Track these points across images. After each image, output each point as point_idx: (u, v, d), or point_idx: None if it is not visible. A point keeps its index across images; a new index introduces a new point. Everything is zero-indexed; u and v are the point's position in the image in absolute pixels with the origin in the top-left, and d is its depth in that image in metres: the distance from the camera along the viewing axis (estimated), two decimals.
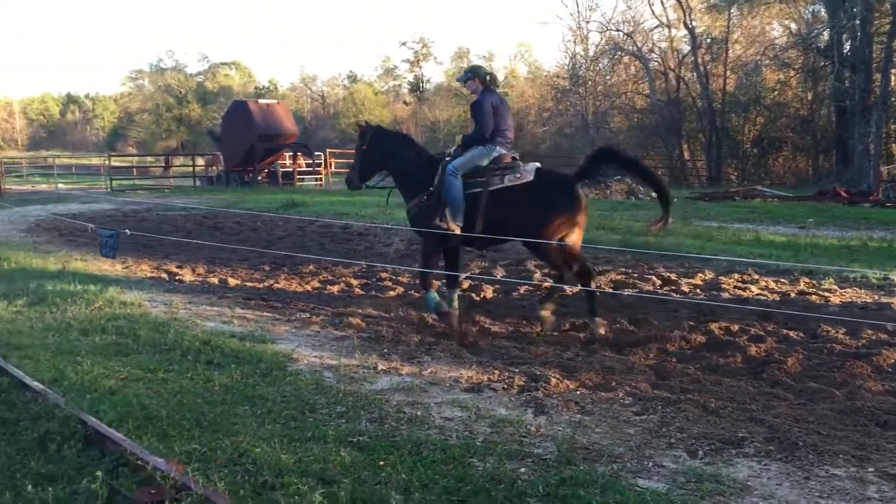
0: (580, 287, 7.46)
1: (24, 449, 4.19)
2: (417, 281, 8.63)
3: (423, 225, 7.52)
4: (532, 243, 7.34)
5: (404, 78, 78.41)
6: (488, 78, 7.60)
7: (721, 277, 9.80)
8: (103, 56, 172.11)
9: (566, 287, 7.86)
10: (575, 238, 7.33)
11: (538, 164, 7.60)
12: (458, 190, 7.31)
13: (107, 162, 39.04)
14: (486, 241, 7.59)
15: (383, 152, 7.89)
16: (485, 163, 7.42)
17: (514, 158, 7.55)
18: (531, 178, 7.26)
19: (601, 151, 7.75)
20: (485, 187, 7.29)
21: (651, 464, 4.12)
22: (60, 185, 32.94)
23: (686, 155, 42.83)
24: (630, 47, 44.69)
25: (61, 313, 7.70)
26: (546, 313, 7.41)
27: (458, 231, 7.33)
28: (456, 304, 7.56)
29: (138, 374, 5.64)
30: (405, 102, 72.37)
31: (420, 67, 75.78)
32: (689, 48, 41.91)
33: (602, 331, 7.00)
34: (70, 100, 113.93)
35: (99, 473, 3.61)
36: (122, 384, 5.34)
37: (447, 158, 7.53)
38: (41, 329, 7.09)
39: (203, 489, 3.42)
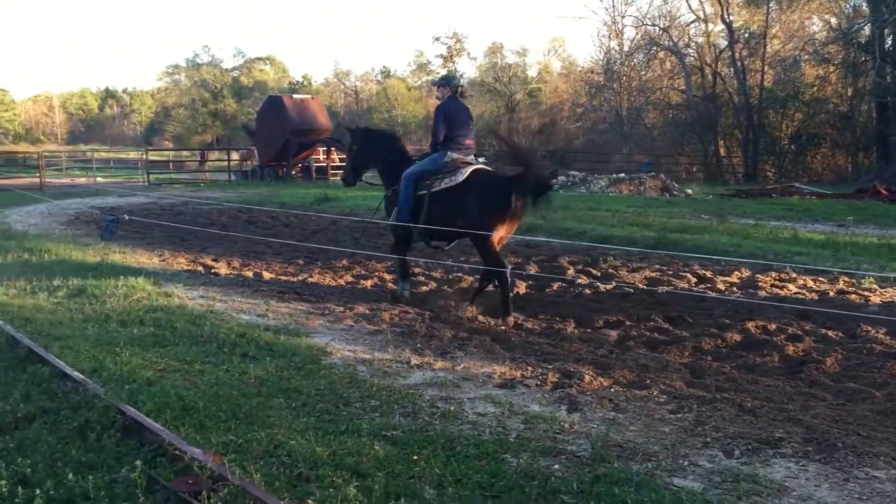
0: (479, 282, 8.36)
1: (64, 438, 4.26)
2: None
3: (387, 217, 8.66)
4: (472, 240, 7.92)
5: (437, 73, 78.37)
6: (459, 88, 8.61)
7: (758, 275, 9.67)
8: (141, 51, 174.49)
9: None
10: (502, 233, 7.92)
11: (480, 165, 8.29)
12: (407, 195, 8.21)
13: (144, 156, 39.59)
14: (443, 239, 8.47)
15: (369, 152, 8.97)
16: (434, 168, 8.22)
17: (467, 162, 8.18)
18: (462, 178, 7.97)
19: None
20: (427, 190, 8.13)
21: (686, 463, 4.09)
22: (99, 179, 33.46)
23: (722, 151, 42.35)
24: (666, 42, 44.29)
25: (100, 305, 7.83)
26: (472, 309, 7.88)
27: (400, 230, 8.39)
28: (407, 293, 8.55)
29: (175, 365, 5.71)
30: (438, 98, 72.35)
31: (453, 63, 75.65)
32: (726, 43, 41.39)
33: (510, 323, 7.43)
34: (108, 94, 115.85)
35: (138, 463, 3.67)
36: (160, 375, 5.42)
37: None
38: (81, 320, 7.21)
39: (239, 480, 3.46)
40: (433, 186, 8.11)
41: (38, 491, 3.48)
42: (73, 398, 4.77)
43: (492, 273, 7.85)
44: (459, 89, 8.62)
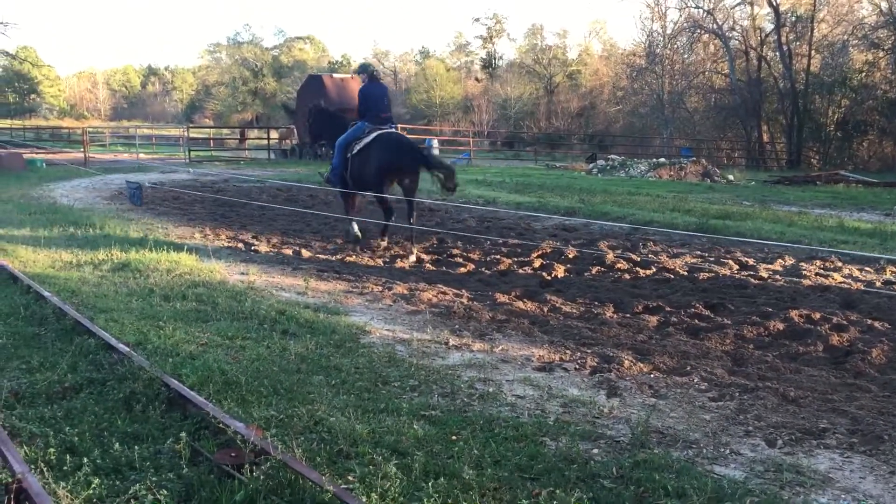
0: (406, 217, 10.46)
1: (110, 408, 4.35)
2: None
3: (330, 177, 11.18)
4: (371, 186, 10.44)
5: (476, 54, 78.10)
6: (373, 73, 11.06)
7: (802, 264, 9.51)
8: (183, 29, 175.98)
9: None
10: (407, 183, 10.38)
11: (382, 131, 10.46)
12: (338, 158, 10.69)
13: (185, 133, 40.00)
14: (367, 188, 10.63)
15: (321, 126, 11.69)
16: (355, 136, 10.56)
17: (376, 128, 10.44)
18: (369, 140, 10.31)
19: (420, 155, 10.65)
20: (351, 152, 10.46)
21: (728, 451, 4.04)
22: (141, 155, 33.92)
23: (765, 137, 41.63)
24: (710, 25, 43.53)
25: (144, 279, 7.96)
26: (383, 242, 10.59)
27: (336, 188, 10.96)
28: (356, 230, 10.97)
29: (217, 340, 5.79)
30: (477, 79, 72.06)
31: (493, 44, 75.29)
32: (772, 27, 40.58)
33: (414, 255, 9.78)
34: (151, 71, 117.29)
35: (182, 435, 3.73)
36: (203, 349, 5.50)
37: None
38: (125, 294, 7.34)
39: (281, 454, 3.50)
40: (354, 149, 10.46)
41: (85, 459, 3.55)
42: (118, 370, 4.86)
43: (385, 210, 10.74)
44: (373, 73, 11.03)
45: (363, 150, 10.32)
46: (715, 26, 43.09)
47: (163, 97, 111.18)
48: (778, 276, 8.89)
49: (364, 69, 11.09)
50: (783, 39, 39.17)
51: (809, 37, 38.95)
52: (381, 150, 10.15)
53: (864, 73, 37.81)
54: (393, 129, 10.77)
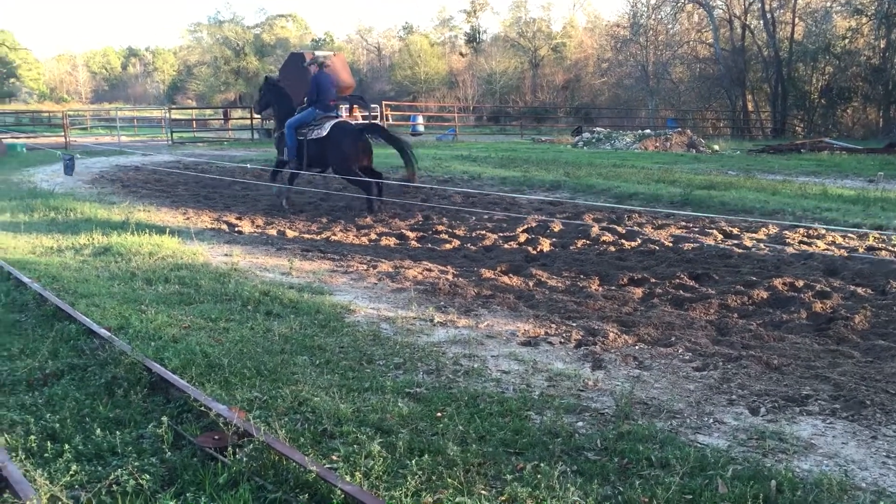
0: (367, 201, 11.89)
1: (92, 394, 4.31)
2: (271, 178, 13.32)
3: (278, 149, 12.79)
4: (337, 171, 11.99)
5: (460, 29, 77.59)
6: (323, 64, 12.53)
7: (786, 232, 9.53)
8: (163, 9, 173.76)
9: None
10: (366, 163, 11.97)
11: (339, 119, 12.34)
12: (291, 139, 12.08)
13: (167, 115, 39.62)
14: (319, 168, 12.37)
15: (269, 98, 12.93)
16: (307, 120, 12.01)
17: (329, 117, 12.10)
18: (325, 133, 11.77)
19: (374, 125, 13.47)
20: (305, 137, 11.97)
21: (711, 420, 4.06)
22: (123, 138, 33.59)
23: (750, 106, 41.66)
24: None
25: (126, 263, 7.90)
26: (369, 218, 11.22)
27: (289, 162, 12.35)
28: (279, 193, 12.67)
29: (200, 323, 5.75)
30: (461, 54, 71.65)
31: (477, 18, 74.79)
32: None
33: (368, 220, 11.01)
34: (131, 53, 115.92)
35: (164, 419, 3.70)
36: (185, 332, 5.46)
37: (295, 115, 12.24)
38: (107, 278, 7.28)
39: (264, 436, 3.48)
40: (309, 135, 11.91)
41: (66, 446, 3.53)
42: (100, 355, 4.83)
43: (362, 187, 11.83)
44: (322, 64, 12.46)
45: (323, 139, 11.75)
46: None
47: (144, 78, 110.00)
48: (762, 245, 8.91)
49: (315, 61, 12.66)
50: (767, 7, 39.07)
51: (793, 4, 38.89)
52: (342, 141, 11.65)
53: (847, 40, 37.84)
54: (342, 118, 12.78)
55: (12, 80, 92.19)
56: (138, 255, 8.22)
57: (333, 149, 11.65)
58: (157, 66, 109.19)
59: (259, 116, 34.04)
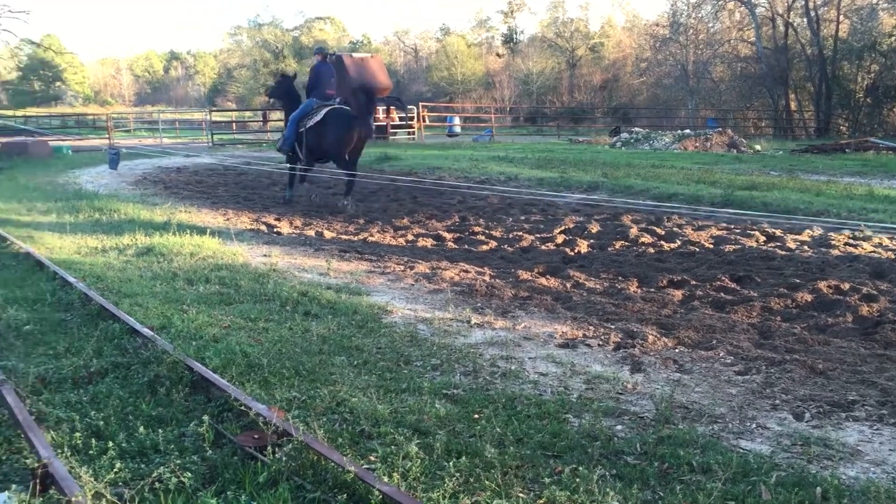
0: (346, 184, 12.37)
1: (135, 392, 4.38)
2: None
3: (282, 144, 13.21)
4: (331, 156, 12.38)
5: (497, 30, 77.36)
6: (327, 56, 13.13)
7: (830, 234, 9.35)
8: (205, 13, 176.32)
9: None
10: (351, 151, 12.23)
11: (334, 106, 12.35)
12: (290, 131, 12.56)
13: (208, 117, 40.11)
14: (317, 159, 12.78)
15: (280, 93, 13.36)
16: (307, 111, 12.41)
17: (325, 105, 12.30)
18: (320, 117, 12.12)
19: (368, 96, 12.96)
20: (304, 127, 12.28)
21: (754, 425, 3.99)
22: (165, 140, 34.11)
23: (793, 106, 40.93)
24: None
25: (168, 263, 8.01)
26: (346, 202, 12.10)
27: (285, 155, 13.05)
28: (290, 195, 13.17)
29: (240, 322, 5.81)
30: (498, 55, 71.46)
31: (514, 18, 74.53)
32: None
33: (348, 204, 11.98)
34: (173, 56, 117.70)
35: (206, 417, 3.74)
36: (226, 332, 5.52)
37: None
38: (149, 278, 7.39)
39: (303, 436, 3.50)
40: (307, 125, 12.31)
41: (110, 443, 3.58)
42: (142, 354, 4.90)
43: (348, 174, 12.15)
44: (326, 56, 13.06)
45: (317, 125, 12.15)
46: None
47: (185, 81, 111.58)
48: (806, 247, 8.75)
49: (319, 51, 13.16)
50: (810, 5, 38.34)
51: (838, 1, 38.10)
52: (337, 125, 12.01)
53: (893, 38, 36.95)
54: (338, 105, 12.49)
55: (58, 83, 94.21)
56: (180, 255, 8.33)
57: (328, 133, 12.01)
58: (198, 70, 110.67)
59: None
